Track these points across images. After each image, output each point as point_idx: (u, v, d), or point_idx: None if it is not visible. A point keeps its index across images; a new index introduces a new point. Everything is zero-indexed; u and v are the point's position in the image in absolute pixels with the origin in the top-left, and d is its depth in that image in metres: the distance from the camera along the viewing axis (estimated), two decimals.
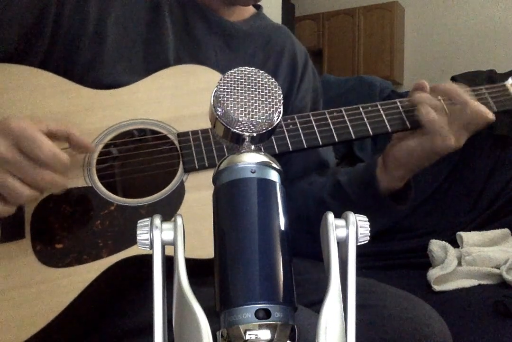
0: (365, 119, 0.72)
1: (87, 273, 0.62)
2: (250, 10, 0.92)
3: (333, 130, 0.72)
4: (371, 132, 0.72)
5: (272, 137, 0.69)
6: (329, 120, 0.72)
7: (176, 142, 0.69)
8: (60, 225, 0.65)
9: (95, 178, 0.67)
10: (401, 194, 0.77)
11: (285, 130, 0.71)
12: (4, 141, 0.56)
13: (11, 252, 0.63)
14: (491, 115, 0.71)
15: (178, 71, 0.74)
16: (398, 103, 0.74)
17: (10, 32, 0.71)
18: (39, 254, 0.63)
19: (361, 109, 0.73)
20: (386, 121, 0.73)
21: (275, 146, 0.70)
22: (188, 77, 0.74)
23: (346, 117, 0.72)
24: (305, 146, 0.71)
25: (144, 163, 0.70)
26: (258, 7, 0.93)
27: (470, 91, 0.77)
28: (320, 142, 0.71)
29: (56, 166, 0.58)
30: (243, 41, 0.86)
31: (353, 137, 0.72)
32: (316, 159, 0.88)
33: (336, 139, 0.72)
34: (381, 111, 0.73)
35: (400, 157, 0.73)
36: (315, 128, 0.71)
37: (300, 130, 0.71)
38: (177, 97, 0.72)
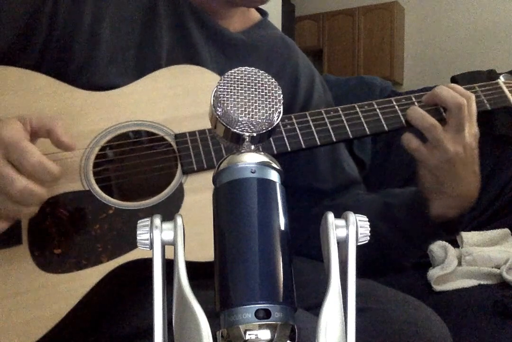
0: (362, 118, 0.72)
1: (87, 278, 0.61)
2: (254, 17, 0.89)
3: (330, 130, 0.71)
4: (368, 132, 0.72)
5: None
6: (326, 120, 0.72)
7: (173, 144, 0.68)
8: (58, 230, 0.64)
9: (92, 181, 0.66)
10: (451, 223, 0.76)
11: (283, 130, 0.70)
12: None
13: (8, 258, 0.62)
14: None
15: (173, 71, 0.73)
16: (394, 102, 0.74)
17: (4, 32, 0.70)
18: (37, 260, 0.62)
19: (357, 108, 0.73)
20: (382, 120, 0.73)
21: (274, 147, 0.69)
22: (183, 77, 0.73)
23: (343, 117, 0.72)
24: (304, 146, 0.70)
25: (141, 165, 0.69)
26: (264, 14, 0.91)
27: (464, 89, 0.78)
28: (318, 142, 0.71)
29: (40, 175, 0.56)
30: (239, 50, 0.84)
31: (351, 136, 0.72)
32: (346, 177, 0.89)
33: (334, 139, 0.71)
34: (378, 110, 0.73)
35: (428, 186, 0.73)
36: (313, 128, 0.71)
37: (298, 130, 0.71)
38: (172, 98, 0.71)
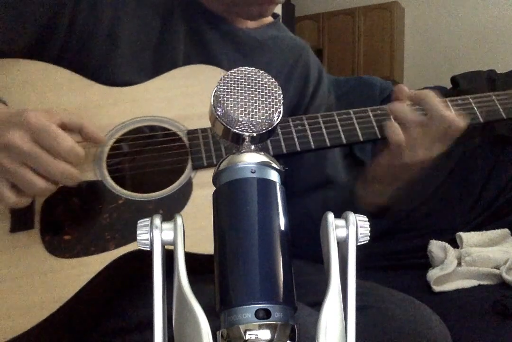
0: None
1: (93, 264, 0.63)
2: (267, 19, 0.90)
3: (341, 132, 0.72)
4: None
5: (281, 137, 0.70)
6: (338, 122, 0.72)
7: (185, 139, 0.70)
8: (69, 216, 0.66)
9: (105, 172, 0.68)
10: (386, 208, 0.77)
11: (293, 130, 0.71)
12: (20, 132, 0.57)
13: (20, 242, 0.64)
14: (462, 123, 0.70)
15: (189, 70, 0.75)
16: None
17: (26, 28, 0.72)
18: (47, 244, 0.64)
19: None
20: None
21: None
22: (198, 76, 0.75)
23: (354, 120, 0.73)
24: (313, 147, 0.71)
25: (153, 159, 0.71)
26: (275, 16, 0.92)
27: (479, 97, 0.77)
28: (328, 144, 0.72)
29: (72, 159, 0.59)
30: (255, 49, 0.85)
31: (361, 139, 0.72)
32: (323, 176, 0.88)
33: (344, 141, 0.72)
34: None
35: (376, 172, 0.74)
36: (323, 129, 0.72)
37: (308, 131, 0.72)
38: (187, 96, 0.73)
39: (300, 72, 0.89)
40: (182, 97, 0.73)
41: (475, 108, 0.76)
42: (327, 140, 0.72)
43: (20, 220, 0.65)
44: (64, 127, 0.62)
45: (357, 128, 0.72)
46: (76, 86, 0.72)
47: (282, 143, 0.71)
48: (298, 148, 0.71)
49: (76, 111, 0.70)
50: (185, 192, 0.67)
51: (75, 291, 0.61)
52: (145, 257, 0.63)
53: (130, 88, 0.73)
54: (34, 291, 0.61)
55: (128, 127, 0.70)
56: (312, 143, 0.71)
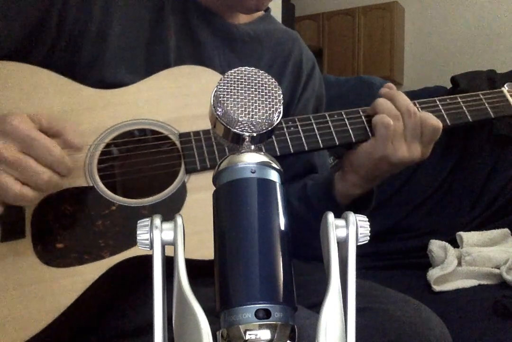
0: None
1: (88, 273, 0.62)
2: (258, 12, 0.90)
3: (333, 133, 0.72)
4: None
5: (273, 139, 0.69)
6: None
7: (177, 143, 0.69)
8: (61, 224, 0.65)
9: (97, 177, 0.67)
10: (363, 202, 0.77)
11: (286, 132, 0.71)
12: (4, 141, 0.56)
13: (11, 251, 0.63)
14: (438, 123, 0.71)
15: (180, 72, 0.74)
16: None
17: (14, 28, 0.71)
18: (40, 254, 0.62)
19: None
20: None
21: (276, 148, 0.70)
22: (189, 78, 0.74)
23: (346, 121, 0.73)
24: (306, 149, 0.71)
25: (145, 163, 0.69)
26: (266, 9, 0.92)
27: (468, 97, 0.78)
28: (321, 145, 0.71)
29: (61, 170, 0.59)
30: (247, 44, 0.85)
31: (353, 140, 0.72)
32: (302, 164, 0.88)
33: (337, 142, 0.72)
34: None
35: (353, 161, 0.73)
36: (316, 131, 0.72)
37: (301, 133, 0.71)
38: (178, 98, 0.72)
39: (293, 64, 0.89)
40: (173, 99, 0.72)
41: (463, 107, 0.76)
42: (320, 142, 0.71)
43: (11, 229, 0.63)
44: (44, 132, 0.60)
45: (349, 129, 0.72)
46: (63, 89, 0.70)
47: (275, 145, 0.70)
48: (292, 150, 0.70)
49: (63, 114, 0.68)
50: (179, 196, 0.66)
51: (71, 301, 0.60)
52: (141, 263, 0.62)
53: (119, 90, 0.72)
54: (29, 302, 0.60)
55: (119, 131, 0.69)
56: (305, 145, 0.71)
